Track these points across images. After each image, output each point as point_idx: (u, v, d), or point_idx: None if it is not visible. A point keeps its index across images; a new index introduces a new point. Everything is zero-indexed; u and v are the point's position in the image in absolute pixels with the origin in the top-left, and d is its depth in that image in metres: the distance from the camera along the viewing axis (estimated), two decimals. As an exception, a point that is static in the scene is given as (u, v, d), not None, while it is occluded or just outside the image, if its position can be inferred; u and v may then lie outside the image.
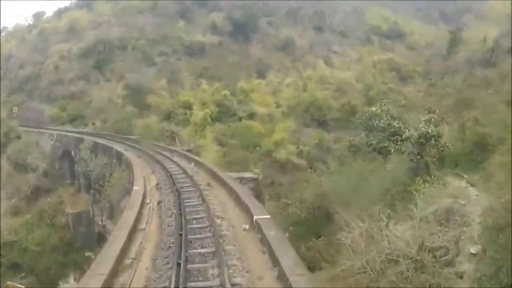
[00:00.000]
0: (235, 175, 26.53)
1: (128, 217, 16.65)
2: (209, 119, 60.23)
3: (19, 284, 29.39)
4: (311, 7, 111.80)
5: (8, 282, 35.72)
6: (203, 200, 19.72)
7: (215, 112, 63.37)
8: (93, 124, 69.29)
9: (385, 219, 20.97)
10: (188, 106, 66.74)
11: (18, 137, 63.49)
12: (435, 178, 26.55)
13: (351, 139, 45.04)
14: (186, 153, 36.34)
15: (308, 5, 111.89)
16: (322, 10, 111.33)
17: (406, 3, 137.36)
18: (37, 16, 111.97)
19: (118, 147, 41.53)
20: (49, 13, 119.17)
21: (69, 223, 52.40)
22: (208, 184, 23.69)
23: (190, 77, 77.11)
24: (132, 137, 52.71)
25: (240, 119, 66.63)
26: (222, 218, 17.50)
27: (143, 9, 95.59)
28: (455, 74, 76.54)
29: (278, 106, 72.14)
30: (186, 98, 68.56)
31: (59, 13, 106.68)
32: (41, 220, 53.70)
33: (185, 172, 27.16)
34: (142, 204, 19.25)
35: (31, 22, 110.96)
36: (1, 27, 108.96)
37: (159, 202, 20.26)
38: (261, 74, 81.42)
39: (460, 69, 75.99)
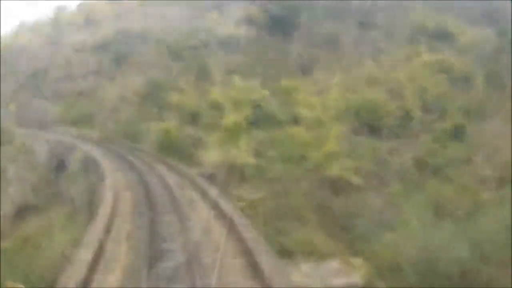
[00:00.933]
0: (309, 276, 9.86)
1: None
2: (243, 124, 45.34)
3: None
4: (354, 4, 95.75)
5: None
6: None
7: (251, 115, 48.28)
8: (104, 126, 54.06)
9: None
10: (218, 107, 51.00)
11: (10, 142, 48.47)
12: None
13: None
14: (204, 183, 19.72)
15: (350, 2, 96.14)
16: (365, 7, 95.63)
17: (450, 3, 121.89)
18: (59, 10, 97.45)
19: (108, 165, 25.38)
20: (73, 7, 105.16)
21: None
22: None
23: (221, 74, 61.23)
24: (138, 145, 36.67)
25: (282, 124, 50.31)
26: None
27: (171, 0, 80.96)
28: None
29: (326, 109, 55.46)
30: (216, 96, 52.69)
31: (81, 5, 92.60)
32: (23, 250, 38.78)
33: (188, 254, 10.75)
34: None
35: (52, 17, 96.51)
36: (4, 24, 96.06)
37: None
38: (303, 72, 65.57)
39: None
